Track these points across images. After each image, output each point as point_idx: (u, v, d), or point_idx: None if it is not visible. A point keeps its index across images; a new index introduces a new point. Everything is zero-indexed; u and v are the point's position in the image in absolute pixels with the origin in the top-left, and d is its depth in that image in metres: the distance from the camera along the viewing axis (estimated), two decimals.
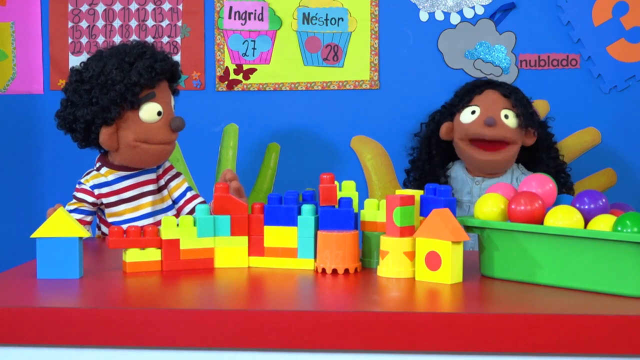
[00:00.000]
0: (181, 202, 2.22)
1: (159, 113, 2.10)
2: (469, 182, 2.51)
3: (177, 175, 2.24)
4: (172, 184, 2.23)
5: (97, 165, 2.18)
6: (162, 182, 2.22)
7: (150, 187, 2.19)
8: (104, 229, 2.21)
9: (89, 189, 2.15)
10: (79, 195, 2.15)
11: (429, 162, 2.60)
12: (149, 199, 2.18)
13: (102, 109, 2.06)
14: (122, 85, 2.04)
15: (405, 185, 2.70)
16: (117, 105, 2.05)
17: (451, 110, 2.55)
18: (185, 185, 2.23)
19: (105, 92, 2.05)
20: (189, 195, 2.22)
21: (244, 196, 2.16)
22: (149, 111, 2.09)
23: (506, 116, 2.44)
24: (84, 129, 2.10)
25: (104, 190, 2.15)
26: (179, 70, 2.20)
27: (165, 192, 2.22)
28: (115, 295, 1.53)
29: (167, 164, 2.25)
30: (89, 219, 2.16)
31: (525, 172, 2.52)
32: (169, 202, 2.22)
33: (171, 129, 2.12)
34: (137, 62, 2.08)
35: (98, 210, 2.20)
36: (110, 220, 2.17)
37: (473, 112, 2.47)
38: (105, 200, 2.16)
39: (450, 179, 2.56)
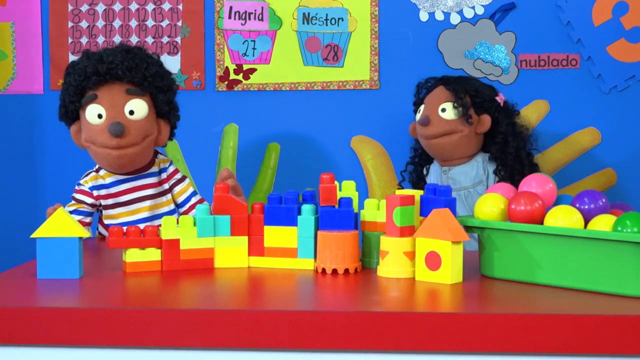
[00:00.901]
0: (186, 207, 2.21)
1: (100, 116, 2.08)
2: (439, 173, 2.58)
3: (182, 179, 2.23)
4: (177, 188, 2.22)
5: (97, 167, 2.19)
6: (166, 186, 2.21)
7: (149, 192, 2.18)
8: (102, 230, 2.21)
9: (88, 190, 2.15)
10: (78, 196, 2.16)
11: (417, 162, 2.70)
12: (147, 203, 2.17)
13: (60, 107, 2.16)
14: (65, 86, 2.12)
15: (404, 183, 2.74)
16: (65, 105, 2.13)
17: (415, 109, 2.67)
18: (190, 190, 2.22)
19: (61, 92, 2.15)
20: (194, 200, 2.21)
21: (242, 194, 2.15)
22: (90, 113, 2.09)
23: (443, 109, 2.50)
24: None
25: (102, 192, 2.16)
26: (136, 71, 2.11)
27: (168, 196, 2.21)
28: (115, 295, 1.53)
29: (171, 169, 2.23)
30: (88, 220, 2.16)
31: (492, 163, 2.55)
32: (171, 207, 2.21)
33: (109, 134, 2.06)
34: (81, 64, 2.11)
35: (97, 211, 2.20)
36: (107, 222, 2.17)
37: (419, 112, 2.59)
38: (103, 202, 2.16)
39: (430, 174, 2.64)
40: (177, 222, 1.69)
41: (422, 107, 2.57)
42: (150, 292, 1.54)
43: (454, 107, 2.50)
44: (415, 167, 2.70)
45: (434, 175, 2.63)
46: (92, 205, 2.16)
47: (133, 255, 1.65)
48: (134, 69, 2.10)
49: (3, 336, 1.35)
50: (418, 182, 2.66)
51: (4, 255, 2.80)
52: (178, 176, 2.23)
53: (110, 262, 1.79)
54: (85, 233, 1.60)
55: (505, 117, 2.56)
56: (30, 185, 2.94)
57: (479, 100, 2.52)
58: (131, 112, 2.09)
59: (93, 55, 2.12)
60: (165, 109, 2.17)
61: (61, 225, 1.58)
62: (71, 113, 2.13)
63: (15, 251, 2.65)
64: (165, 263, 1.67)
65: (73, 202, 2.16)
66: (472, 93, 2.52)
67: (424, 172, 2.67)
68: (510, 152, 2.52)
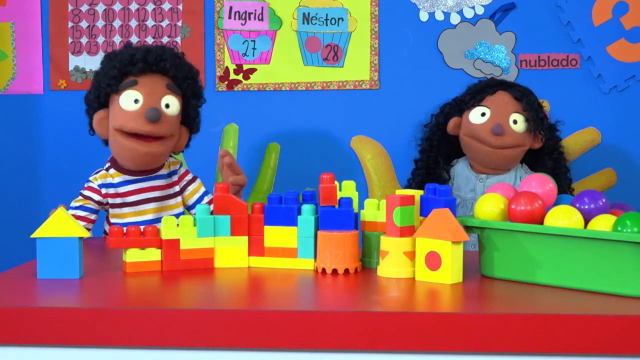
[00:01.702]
0: None
1: (136, 101, 2.09)
2: (472, 180, 2.51)
3: (193, 180, 2.24)
4: (189, 189, 2.22)
5: (107, 165, 2.19)
6: (177, 188, 2.22)
7: (156, 194, 2.19)
8: (107, 228, 2.21)
9: (97, 187, 2.16)
10: (86, 193, 2.16)
11: (435, 154, 2.59)
12: (152, 205, 2.18)
13: (91, 90, 2.17)
14: (105, 69, 2.13)
15: (412, 175, 2.66)
16: (99, 88, 2.13)
17: (461, 106, 2.54)
18: (202, 190, 2.23)
19: (96, 76, 2.17)
20: (206, 200, 2.22)
21: (241, 173, 2.17)
22: (127, 97, 2.10)
23: (515, 121, 2.42)
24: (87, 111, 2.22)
25: (110, 191, 2.16)
26: (180, 69, 2.14)
27: (177, 199, 2.21)
28: (115, 295, 1.53)
29: (182, 170, 2.24)
30: (93, 217, 2.17)
31: (529, 172, 2.52)
32: (180, 210, 2.21)
33: (145, 118, 2.07)
34: (126, 52, 2.13)
35: (104, 209, 2.20)
36: (113, 220, 2.18)
37: (483, 114, 2.45)
38: (110, 201, 2.16)
39: (454, 176, 2.56)
40: (177, 223, 1.69)
41: (486, 110, 2.45)
42: (150, 292, 1.54)
43: (525, 120, 2.45)
44: (433, 170, 2.62)
45: (464, 180, 2.54)
46: (99, 202, 2.17)
47: (133, 255, 1.65)
48: (179, 66, 2.14)
49: (3, 336, 1.35)
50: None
51: (4, 255, 2.80)
52: (189, 177, 2.24)
53: (110, 262, 1.79)
54: (85, 233, 1.60)
55: (553, 133, 2.54)
56: (30, 185, 2.94)
57: (541, 116, 2.47)
58: (167, 106, 2.11)
59: (138, 48, 2.15)
60: (193, 114, 2.20)
61: (61, 225, 1.59)
62: (103, 98, 2.13)
63: (15, 251, 2.65)
64: (165, 263, 1.67)
65: (80, 197, 2.17)
66: (537, 108, 2.47)
67: (445, 176, 2.58)
68: (561, 171, 2.51)
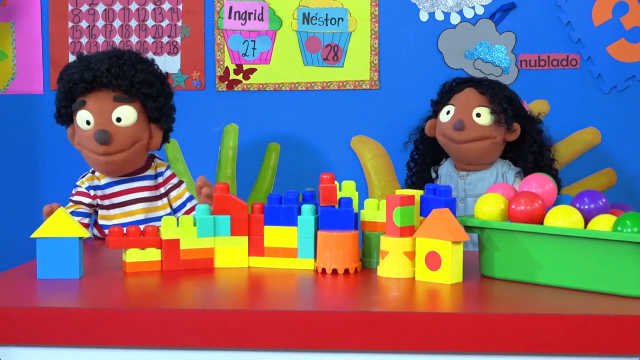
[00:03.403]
0: (182, 212, 2.21)
1: (88, 122, 2.09)
2: (454, 177, 2.54)
3: (179, 184, 2.24)
4: (173, 193, 2.22)
5: (92, 168, 2.20)
6: (162, 190, 2.22)
7: (144, 194, 2.19)
8: (97, 233, 2.21)
9: (85, 190, 2.16)
10: (76, 197, 2.17)
11: (423, 156, 2.65)
12: (141, 205, 2.18)
13: (55, 110, 2.17)
14: (58, 91, 2.14)
15: (406, 183, 2.71)
16: (58, 108, 2.15)
17: (435, 107, 2.60)
18: (187, 195, 2.23)
19: (55, 96, 2.17)
20: (189, 205, 2.22)
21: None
22: (80, 118, 2.11)
23: (478, 114, 2.45)
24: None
25: (98, 192, 2.17)
26: (122, 78, 2.10)
27: (164, 200, 2.22)
28: (115, 295, 1.53)
29: (167, 173, 2.24)
30: (86, 220, 2.17)
31: (512, 168, 2.53)
32: (167, 211, 2.21)
33: (95, 142, 2.07)
34: (70, 70, 2.11)
35: (94, 212, 2.20)
36: (101, 222, 2.18)
37: (448, 112, 2.50)
38: (99, 202, 2.17)
39: (441, 175, 2.58)
40: (177, 223, 1.69)
41: (451, 108, 2.49)
42: (150, 292, 1.54)
43: (491, 113, 2.46)
44: (419, 170, 2.64)
45: (448, 179, 2.57)
46: (89, 205, 2.17)
47: (133, 255, 1.65)
48: (120, 76, 2.09)
49: (3, 336, 1.35)
50: (423, 185, 2.58)
51: (4, 255, 2.80)
52: (174, 181, 2.23)
53: (110, 262, 1.79)
54: (85, 233, 1.60)
55: (533, 126, 2.54)
56: (30, 185, 2.94)
57: (512, 108, 2.47)
58: (118, 119, 2.10)
59: (84, 60, 2.13)
60: (156, 114, 2.16)
61: (61, 225, 1.59)
62: (65, 116, 2.16)
63: (15, 251, 2.65)
64: (165, 263, 1.67)
65: (70, 204, 2.17)
66: (505, 100, 2.47)
67: (433, 175, 2.62)
68: (544, 163, 2.51)
